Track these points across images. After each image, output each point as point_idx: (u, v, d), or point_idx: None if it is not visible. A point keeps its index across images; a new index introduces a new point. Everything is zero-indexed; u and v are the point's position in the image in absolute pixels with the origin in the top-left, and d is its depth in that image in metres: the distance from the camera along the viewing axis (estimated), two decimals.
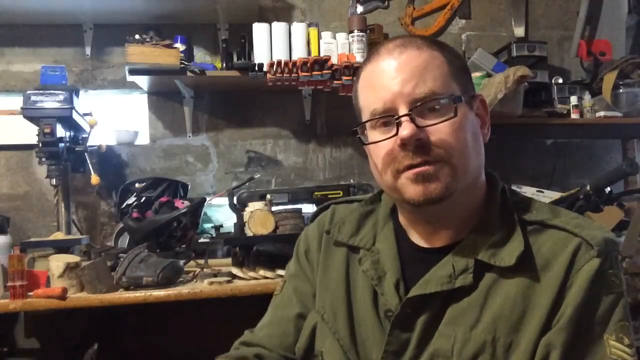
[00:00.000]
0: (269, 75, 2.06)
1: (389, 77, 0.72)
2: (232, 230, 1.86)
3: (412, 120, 0.70)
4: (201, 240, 2.03)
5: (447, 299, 0.73)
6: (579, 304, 0.68)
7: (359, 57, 2.12)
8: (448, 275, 0.72)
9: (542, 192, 2.22)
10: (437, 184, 0.70)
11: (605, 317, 0.69)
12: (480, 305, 0.71)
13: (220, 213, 2.20)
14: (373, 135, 0.75)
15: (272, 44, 2.13)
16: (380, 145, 0.74)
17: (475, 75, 2.15)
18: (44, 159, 1.95)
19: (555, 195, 2.12)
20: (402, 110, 0.71)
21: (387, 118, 0.72)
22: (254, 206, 1.75)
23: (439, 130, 0.70)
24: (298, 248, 0.94)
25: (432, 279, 0.73)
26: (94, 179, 2.00)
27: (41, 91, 1.90)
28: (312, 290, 0.87)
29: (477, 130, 0.76)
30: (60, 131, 1.94)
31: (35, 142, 1.94)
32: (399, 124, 0.71)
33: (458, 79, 0.75)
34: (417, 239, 0.80)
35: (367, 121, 0.75)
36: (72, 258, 1.66)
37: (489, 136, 0.79)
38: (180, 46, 2.18)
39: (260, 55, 2.11)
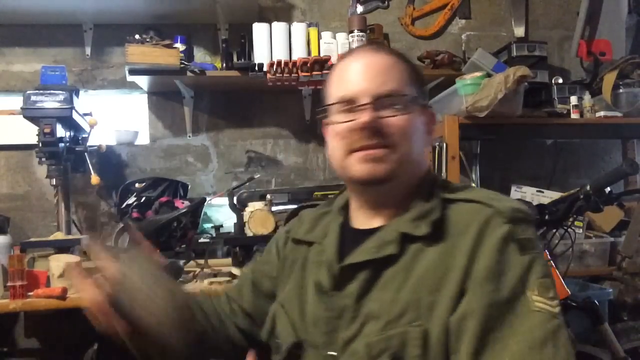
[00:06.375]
0: (269, 75, 2.06)
1: (359, 73, 0.85)
2: (232, 230, 1.86)
3: (372, 109, 0.82)
4: (201, 240, 2.03)
5: (378, 268, 0.81)
6: (490, 264, 0.74)
7: None
8: (376, 247, 0.82)
9: (542, 192, 2.21)
10: (383, 166, 0.83)
11: (524, 275, 0.74)
12: (406, 270, 0.79)
13: (220, 213, 2.20)
14: (336, 118, 0.87)
15: (272, 44, 2.14)
16: (341, 125, 0.85)
17: (475, 75, 2.15)
18: (44, 159, 1.95)
19: (555, 195, 2.11)
20: (365, 100, 0.83)
21: (352, 105, 0.84)
22: (254, 206, 1.75)
23: (394, 121, 0.83)
24: (268, 246, 1.06)
25: (362, 251, 0.83)
26: (94, 179, 2.00)
27: (41, 91, 1.90)
28: (269, 272, 1.01)
29: (423, 133, 0.89)
30: (60, 131, 1.94)
31: (35, 142, 1.94)
32: (360, 111, 0.83)
33: (415, 86, 0.88)
34: (360, 223, 0.90)
35: (335, 103, 0.87)
36: (72, 258, 1.66)
37: (429, 145, 0.88)
38: (180, 46, 2.18)
39: (260, 55, 2.12)
